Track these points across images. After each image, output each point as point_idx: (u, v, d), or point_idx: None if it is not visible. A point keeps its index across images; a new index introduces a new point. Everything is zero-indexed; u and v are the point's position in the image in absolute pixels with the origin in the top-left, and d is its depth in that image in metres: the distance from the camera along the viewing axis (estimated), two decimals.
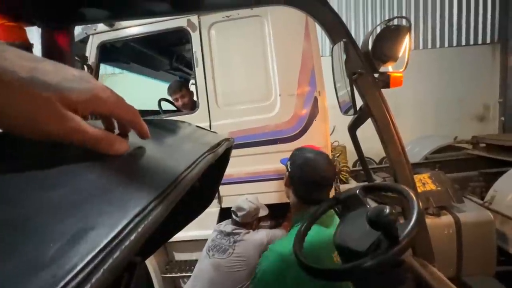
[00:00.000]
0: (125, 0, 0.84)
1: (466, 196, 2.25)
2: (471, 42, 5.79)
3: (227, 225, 1.72)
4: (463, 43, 5.80)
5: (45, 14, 0.83)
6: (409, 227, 0.44)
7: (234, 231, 1.66)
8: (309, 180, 0.97)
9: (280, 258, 0.86)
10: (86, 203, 0.18)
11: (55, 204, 0.17)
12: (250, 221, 1.71)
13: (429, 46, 5.85)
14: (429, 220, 1.87)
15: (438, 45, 5.84)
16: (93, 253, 0.14)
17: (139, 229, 0.17)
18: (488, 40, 5.77)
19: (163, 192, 0.22)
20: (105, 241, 0.15)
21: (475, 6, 5.72)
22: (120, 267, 0.15)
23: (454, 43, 5.81)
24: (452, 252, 1.89)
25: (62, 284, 0.12)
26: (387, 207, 0.43)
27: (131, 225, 0.17)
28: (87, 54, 2.04)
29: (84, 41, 2.07)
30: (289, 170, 1.03)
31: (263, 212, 1.80)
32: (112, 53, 2.38)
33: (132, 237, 0.17)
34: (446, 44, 5.83)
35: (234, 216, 1.71)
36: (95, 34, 2.04)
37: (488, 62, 5.81)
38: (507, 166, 2.60)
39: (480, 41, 5.78)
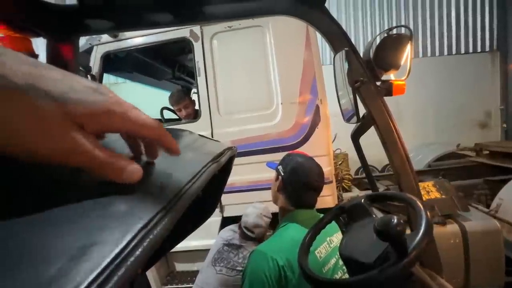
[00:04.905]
0: (129, 11, 0.86)
1: (472, 205, 2.21)
2: (471, 50, 5.85)
3: (235, 238, 1.64)
4: (463, 51, 5.86)
5: (51, 26, 0.84)
6: (418, 238, 0.43)
7: (243, 244, 1.60)
8: (300, 183, 1.00)
9: (265, 258, 0.88)
10: (88, 219, 0.17)
11: (55, 220, 0.16)
12: (263, 235, 1.65)
13: (429, 54, 5.91)
14: (435, 229, 1.83)
15: (437, 53, 5.90)
16: (97, 272, 0.14)
17: (145, 244, 0.17)
18: (487, 48, 5.82)
19: (168, 204, 0.21)
20: (109, 259, 0.15)
21: (473, 14, 5.80)
22: (124, 285, 0.14)
23: (454, 51, 5.87)
24: (459, 262, 1.85)
25: None
26: (395, 217, 0.42)
27: (136, 240, 0.17)
28: (91, 64, 2.07)
29: (88, 51, 2.10)
30: (282, 174, 1.05)
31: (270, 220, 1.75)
32: (115, 62, 2.41)
33: (138, 253, 0.16)
34: (446, 52, 5.88)
35: (248, 233, 1.62)
36: (99, 45, 2.07)
37: (488, 69, 5.85)
38: (511, 173, 2.57)
39: (479, 49, 5.84)
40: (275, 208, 1.93)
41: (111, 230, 0.17)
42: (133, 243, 0.16)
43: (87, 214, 0.18)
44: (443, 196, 2.02)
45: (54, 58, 0.89)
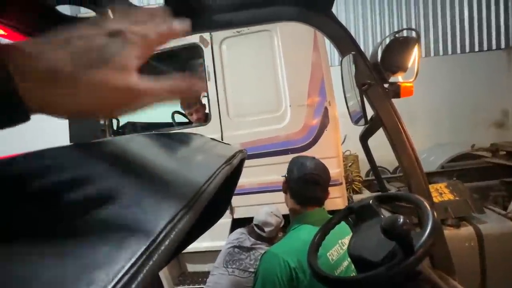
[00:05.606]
0: None
1: (488, 207, 2.15)
2: (485, 47, 5.67)
3: (245, 240, 1.67)
4: (476, 49, 5.69)
5: None
6: (424, 236, 0.44)
7: (254, 246, 1.62)
8: (300, 178, 1.03)
9: (276, 259, 0.90)
10: (126, 213, 0.20)
11: (100, 213, 0.19)
12: (275, 235, 1.67)
13: (441, 53, 5.77)
14: (448, 232, 1.80)
15: (450, 51, 5.75)
16: (136, 256, 0.17)
17: (172, 236, 0.19)
18: (503, 45, 5.64)
19: (189, 202, 0.24)
20: (144, 247, 0.17)
21: (487, 11, 5.63)
22: (158, 269, 0.17)
23: (467, 49, 5.71)
24: (475, 266, 1.80)
25: (115, 281, 0.14)
26: (401, 216, 0.43)
27: (164, 232, 0.19)
28: None
29: None
30: (286, 175, 1.11)
31: (282, 222, 1.77)
32: None
33: (167, 243, 0.19)
34: (459, 51, 5.73)
35: (259, 231, 1.65)
36: None
37: (504, 67, 5.65)
38: None
39: (494, 47, 5.66)
40: (285, 210, 1.94)
41: (144, 223, 0.19)
42: (162, 235, 0.19)
43: (126, 209, 0.21)
44: (457, 198, 1.98)
45: None
